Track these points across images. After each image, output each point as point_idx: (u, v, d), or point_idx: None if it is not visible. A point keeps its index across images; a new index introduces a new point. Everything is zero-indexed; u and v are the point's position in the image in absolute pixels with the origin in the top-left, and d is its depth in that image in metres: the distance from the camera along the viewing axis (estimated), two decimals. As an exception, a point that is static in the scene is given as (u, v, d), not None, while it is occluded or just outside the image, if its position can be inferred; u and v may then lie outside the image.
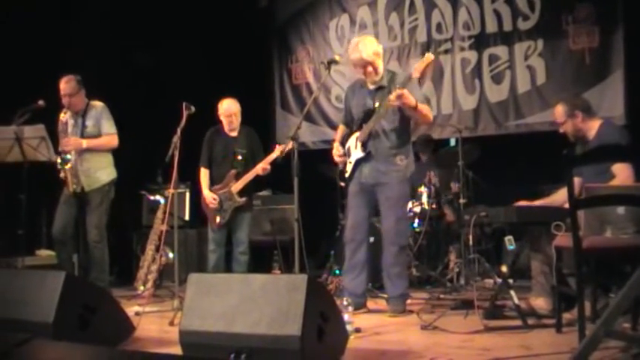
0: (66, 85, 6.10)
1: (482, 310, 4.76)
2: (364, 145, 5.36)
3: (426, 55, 5.12)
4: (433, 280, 6.85)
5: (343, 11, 9.04)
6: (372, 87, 5.39)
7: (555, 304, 4.42)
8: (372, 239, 5.82)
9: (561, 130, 4.90)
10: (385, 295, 5.50)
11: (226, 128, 6.46)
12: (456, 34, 8.24)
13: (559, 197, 4.76)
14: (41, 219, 7.74)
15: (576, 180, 4.29)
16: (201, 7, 8.57)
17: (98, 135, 6.18)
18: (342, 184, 5.73)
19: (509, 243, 5.14)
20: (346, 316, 4.11)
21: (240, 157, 6.36)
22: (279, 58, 9.53)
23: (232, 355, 3.30)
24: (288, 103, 9.39)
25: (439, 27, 8.35)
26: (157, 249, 6.69)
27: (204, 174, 6.47)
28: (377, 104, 5.27)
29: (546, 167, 4.89)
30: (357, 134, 5.44)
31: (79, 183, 6.08)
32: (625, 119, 7.12)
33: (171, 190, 5.69)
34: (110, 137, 6.22)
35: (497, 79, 8.00)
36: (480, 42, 8.10)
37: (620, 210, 3.85)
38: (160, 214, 6.90)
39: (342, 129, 5.74)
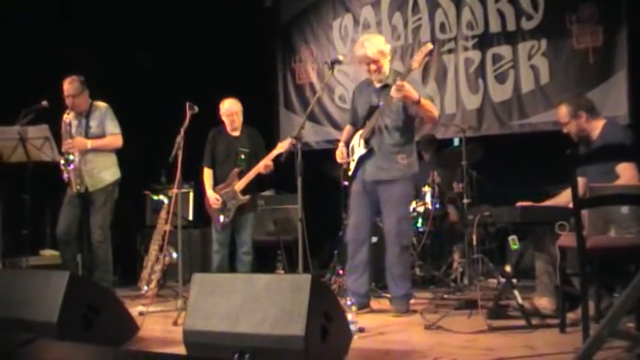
0: (69, 85, 6.11)
1: (486, 310, 4.76)
2: (367, 142, 5.35)
3: (426, 45, 5.10)
4: (437, 279, 6.84)
5: (347, 11, 9.04)
6: (377, 85, 5.39)
7: (559, 303, 4.41)
8: (375, 239, 5.82)
9: (565, 131, 4.89)
10: (389, 295, 5.50)
11: (228, 128, 6.47)
12: (460, 34, 8.24)
13: (563, 198, 4.76)
14: (45, 219, 7.76)
15: (580, 180, 4.29)
16: (204, 7, 8.57)
17: (102, 135, 6.19)
18: (346, 182, 5.72)
19: (513, 243, 5.13)
20: (350, 316, 4.11)
21: (242, 156, 6.37)
22: (282, 58, 9.53)
23: (236, 355, 3.30)
24: (291, 103, 9.39)
25: (443, 27, 8.35)
26: (161, 249, 6.70)
27: (207, 174, 6.47)
28: (382, 102, 5.27)
29: (550, 167, 4.88)
30: (360, 132, 5.44)
31: (82, 183, 6.09)
32: (629, 119, 7.12)
33: (175, 190, 5.70)
34: (114, 137, 6.23)
35: (500, 78, 7.99)
36: (484, 42, 8.09)
37: (624, 209, 3.84)
38: (163, 214, 6.91)
39: (348, 129, 5.72)
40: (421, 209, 7.00)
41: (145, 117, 7.96)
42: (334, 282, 6.53)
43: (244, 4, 8.89)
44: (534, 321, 4.50)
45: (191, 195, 8.01)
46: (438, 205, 7.05)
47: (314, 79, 9.23)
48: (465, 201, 6.77)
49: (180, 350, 3.64)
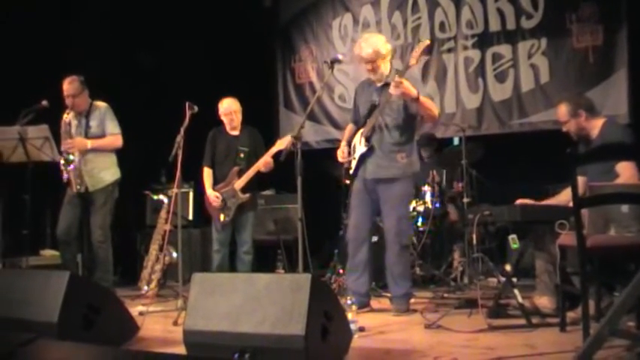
0: (69, 85, 6.11)
1: (486, 309, 4.76)
2: (367, 140, 5.35)
3: (424, 41, 5.10)
4: (437, 279, 6.84)
5: (346, 10, 9.03)
6: (378, 84, 5.39)
7: (559, 302, 4.42)
8: (375, 238, 5.82)
9: (564, 129, 4.89)
10: (389, 295, 5.50)
11: (228, 127, 6.48)
12: (459, 33, 8.24)
13: (564, 197, 4.76)
14: (45, 219, 7.76)
15: (581, 179, 4.29)
16: (204, 7, 8.57)
17: (102, 135, 6.19)
18: (347, 181, 5.73)
19: (513, 242, 5.13)
20: (350, 316, 4.11)
21: (242, 155, 6.37)
22: (282, 58, 9.52)
23: (236, 355, 3.30)
24: (291, 103, 9.39)
25: (442, 26, 8.35)
26: (161, 249, 6.70)
27: (207, 173, 6.48)
28: (382, 100, 5.27)
29: (550, 166, 4.89)
30: (362, 130, 5.44)
31: (82, 183, 6.09)
32: (629, 118, 7.11)
33: (175, 190, 5.70)
34: (114, 137, 6.23)
35: (500, 77, 7.99)
36: (484, 41, 8.09)
37: (624, 208, 3.84)
38: (163, 213, 6.91)
39: (350, 128, 5.73)
40: (421, 208, 7.00)
41: (145, 117, 7.96)
42: (334, 281, 6.53)
43: (244, 4, 8.89)
44: (534, 320, 4.50)
45: (191, 194, 8.01)
46: (438, 204, 7.05)
47: (314, 78, 9.23)
48: (465, 200, 6.77)
49: (181, 350, 3.64)
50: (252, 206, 6.44)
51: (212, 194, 6.33)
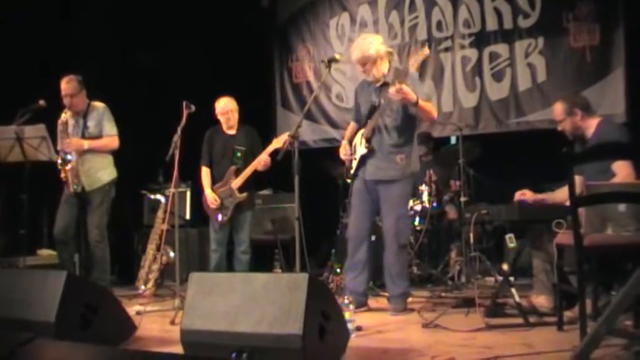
0: (67, 85, 6.10)
1: (483, 308, 4.76)
2: (368, 141, 5.36)
3: (423, 50, 5.10)
4: (434, 278, 6.85)
5: (343, 10, 9.03)
6: (377, 84, 5.39)
7: (557, 301, 4.42)
8: (373, 238, 5.82)
9: (560, 128, 4.89)
10: (386, 294, 5.51)
11: (224, 126, 6.48)
12: (457, 32, 8.24)
13: (560, 195, 4.76)
14: (42, 219, 7.75)
15: (578, 178, 4.29)
16: (202, 7, 8.56)
17: (99, 136, 6.19)
18: (349, 180, 5.74)
19: (511, 241, 5.14)
20: (347, 315, 4.11)
21: (239, 154, 6.37)
22: (279, 57, 9.52)
23: (234, 355, 3.30)
24: (288, 102, 9.38)
25: (439, 25, 8.35)
26: (158, 248, 6.70)
27: (205, 173, 6.47)
28: (382, 101, 5.27)
29: (547, 165, 4.87)
30: (362, 131, 5.45)
31: (79, 183, 6.08)
32: (626, 117, 7.12)
33: (172, 190, 5.70)
34: (111, 139, 6.23)
35: (497, 76, 7.99)
36: (481, 40, 8.09)
37: (622, 207, 3.84)
38: (160, 213, 6.91)
39: (352, 126, 5.74)
40: (418, 207, 7.01)
41: (143, 116, 7.95)
42: (332, 281, 6.52)
43: (241, 4, 8.88)
44: (532, 319, 4.50)
45: (188, 194, 8.02)
46: (435, 204, 7.05)
47: (311, 77, 9.23)
48: (463, 199, 6.77)
49: (178, 349, 3.64)
50: (249, 206, 6.44)
51: (211, 195, 6.33)
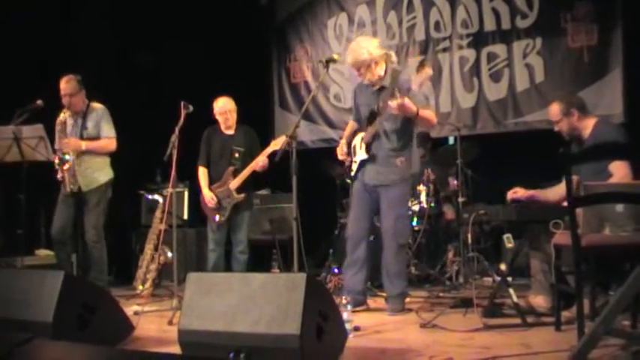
0: (66, 84, 6.10)
1: (481, 308, 4.76)
2: (368, 147, 5.38)
3: (426, 69, 5.06)
4: (432, 278, 6.85)
5: (342, 10, 9.03)
6: (375, 87, 5.39)
7: (554, 302, 4.42)
8: (371, 238, 5.83)
9: (556, 129, 4.89)
10: (384, 294, 5.51)
11: (222, 126, 6.48)
12: (455, 33, 8.24)
13: (550, 194, 4.77)
14: (40, 219, 7.75)
15: (574, 178, 4.29)
16: (200, 7, 8.56)
17: (97, 136, 6.19)
18: (349, 180, 5.74)
19: (508, 241, 5.14)
20: (345, 315, 4.11)
21: (237, 155, 6.37)
22: (277, 57, 9.52)
23: (231, 355, 3.30)
24: (286, 102, 9.38)
25: (437, 25, 8.35)
26: (156, 248, 6.70)
27: (202, 173, 6.47)
28: (381, 105, 5.26)
29: (545, 165, 4.86)
30: (362, 134, 5.46)
31: (76, 183, 6.08)
32: (624, 117, 7.12)
33: (170, 190, 5.70)
34: (109, 141, 6.23)
35: (495, 77, 8.00)
36: (479, 40, 8.10)
37: (619, 208, 3.85)
38: (158, 213, 6.91)
39: (351, 124, 5.75)
40: (416, 208, 7.01)
41: (141, 116, 7.95)
42: (330, 281, 6.53)
43: (240, 3, 8.88)
44: (529, 319, 4.50)
45: (186, 194, 8.01)
46: (433, 204, 7.05)
47: (309, 77, 9.23)
48: (460, 199, 6.77)
49: (176, 350, 3.64)
50: (247, 206, 6.44)
51: (208, 194, 6.33)
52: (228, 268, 6.43)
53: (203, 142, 6.52)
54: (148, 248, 6.83)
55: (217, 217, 6.30)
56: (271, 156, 6.13)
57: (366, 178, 5.42)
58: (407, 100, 4.94)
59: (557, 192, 4.78)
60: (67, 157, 6.06)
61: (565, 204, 4.51)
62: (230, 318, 3.46)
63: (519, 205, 4.66)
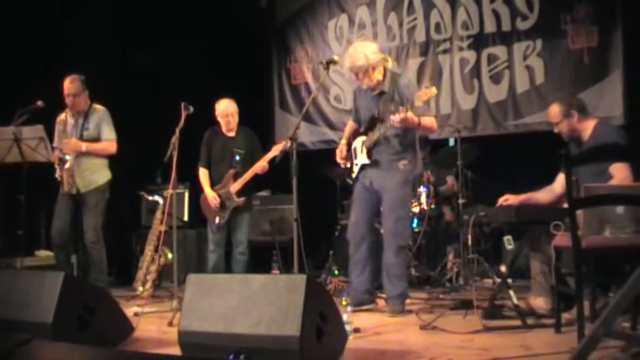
0: (70, 84, 6.11)
1: (481, 309, 4.76)
2: (369, 152, 5.39)
3: (432, 88, 5.05)
4: (432, 280, 6.84)
5: (342, 11, 9.03)
6: (374, 92, 5.39)
7: (554, 303, 4.42)
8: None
9: (556, 130, 4.88)
10: (384, 295, 5.50)
11: (224, 129, 6.48)
12: (455, 34, 8.24)
13: (542, 195, 4.78)
14: (40, 220, 7.74)
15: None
16: (200, 8, 8.56)
17: (97, 138, 6.19)
18: (350, 181, 5.74)
19: (508, 243, 5.13)
20: (345, 316, 4.11)
21: (237, 157, 6.37)
22: (278, 58, 9.52)
23: (231, 356, 3.30)
24: (286, 103, 9.38)
25: (438, 27, 8.35)
26: (156, 249, 6.69)
27: (203, 174, 6.48)
28: (381, 110, 5.26)
29: (545, 167, 4.89)
30: (363, 138, 5.47)
31: (74, 184, 6.08)
32: (624, 119, 7.12)
33: (170, 191, 5.69)
34: (109, 143, 6.23)
35: (496, 79, 8.00)
36: (479, 42, 8.09)
37: (619, 209, 3.84)
38: (158, 214, 6.89)
39: (351, 125, 5.77)
40: (416, 209, 7.01)
41: (141, 117, 7.95)
42: (330, 282, 6.53)
43: (240, 4, 8.88)
44: (530, 321, 4.50)
45: (186, 195, 8.01)
46: (433, 206, 7.05)
47: (309, 79, 9.23)
48: (461, 201, 6.77)
49: (176, 351, 3.64)
50: (247, 207, 6.44)
51: (211, 194, 6.33)
52: (228, 269, 6.43)
53: (204, 143, 6.52)
54: (148, 249, 6.82)
55: (217, 220, 6.30)
56: (271, 159, 6.14)
57: (367, 181, 5.44)
58: (410, 114, 4.94)
59: (547, 193, 4.79)
60: (67, 157, 6.06)
61: (561, 203, 4.54)
62: (230, 319, 3.46)
63: (519, 207, 4.66)
